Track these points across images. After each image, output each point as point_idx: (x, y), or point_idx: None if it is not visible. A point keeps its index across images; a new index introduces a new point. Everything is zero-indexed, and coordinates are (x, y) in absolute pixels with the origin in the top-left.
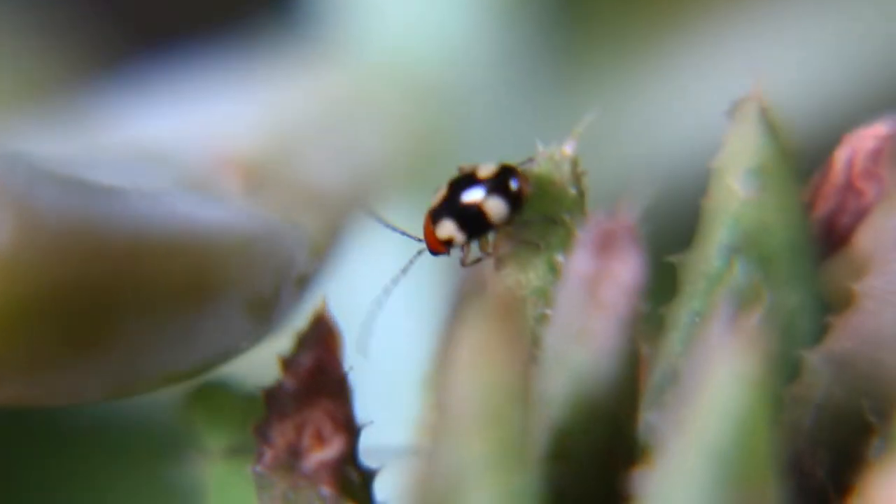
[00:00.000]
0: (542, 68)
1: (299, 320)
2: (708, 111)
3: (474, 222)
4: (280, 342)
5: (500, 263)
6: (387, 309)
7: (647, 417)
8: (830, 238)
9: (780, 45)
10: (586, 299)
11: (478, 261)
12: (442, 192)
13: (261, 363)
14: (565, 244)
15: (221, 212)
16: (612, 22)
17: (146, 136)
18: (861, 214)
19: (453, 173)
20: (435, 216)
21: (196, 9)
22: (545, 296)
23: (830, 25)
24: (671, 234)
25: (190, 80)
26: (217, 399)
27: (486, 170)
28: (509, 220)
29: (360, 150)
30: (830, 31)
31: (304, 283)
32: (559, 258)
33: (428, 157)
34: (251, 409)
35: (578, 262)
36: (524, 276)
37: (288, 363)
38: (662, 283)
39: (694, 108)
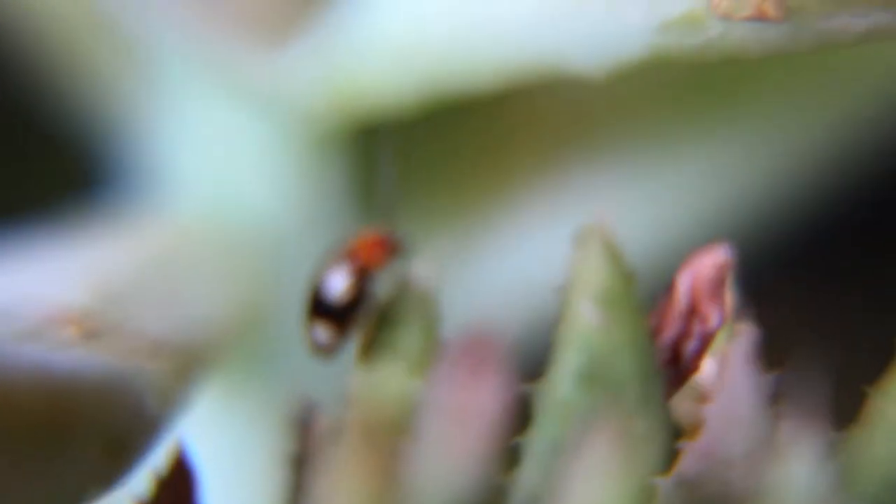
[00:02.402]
0: (365, 216)
1: (153, 464)
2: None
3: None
4: (136, 485)
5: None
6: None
7: None
8: (677, 362)
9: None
10: (449, 423)
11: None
12: None
13: None
14: (424, 371)
15: (65, 359)
16: (445, 160)
17: None
18: (705, 339)
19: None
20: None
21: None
22: (407, 425)
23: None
24: (522, 364)
25: (16, 245)
26: None
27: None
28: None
29: (190, 300)
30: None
31: (154, 427)
32: (419, 386)
33: (253, 305)
34: None
35: (439, 385)
36: (384, 407)
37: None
38: (518, 412)
39: (538, 238)
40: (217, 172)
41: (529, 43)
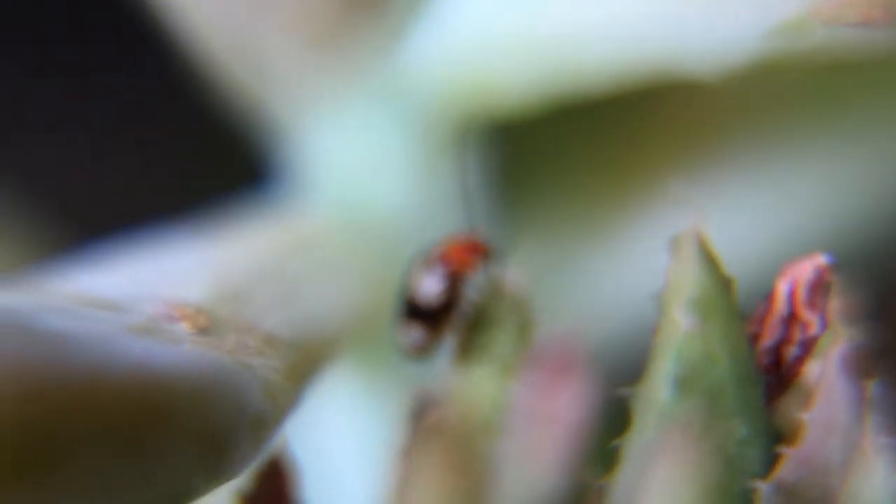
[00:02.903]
0: (491, 215)
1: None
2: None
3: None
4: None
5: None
6: (341, 444)
7: None
8: (777, 369)
9: (724, 189)
10: (537, 427)
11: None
12: None
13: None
14: (515, 376)
15: (171, 355)
16: (556, 163)
17: (97, 285)
18: (807, 345)
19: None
20: None
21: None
22: (497, 428)
23: (773, 169)
24: (621, 370)
25: (140, 238)
26: None
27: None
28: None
29: (309, 297)
30: (772, 175)
31: (260, 424)
32: (510, 390)
33: (379, 303)
34: None
35: (528, 389)
36: (476, 410)
37: (244, 499)
38: (615, 417)
39: (641, 244)
40: (345, 169)
41: (643, 44)
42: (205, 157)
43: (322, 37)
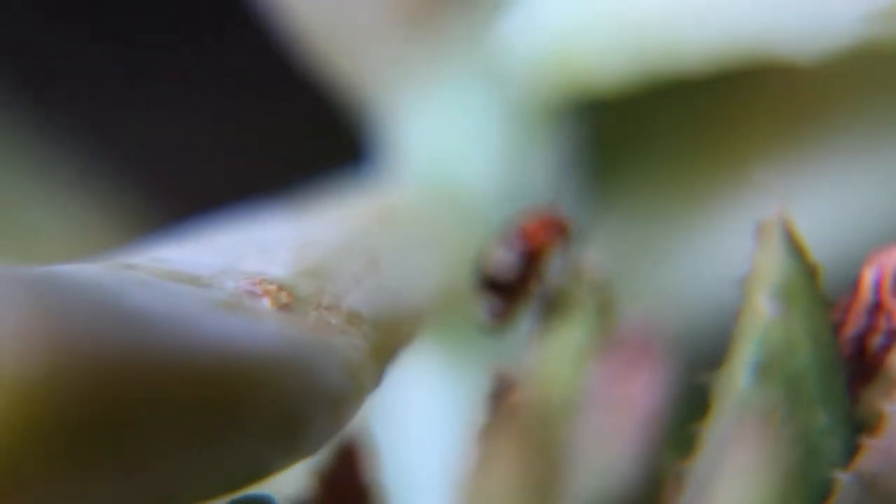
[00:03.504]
0: (579, 197)
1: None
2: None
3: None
4: (319, 458)
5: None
6: (422, 423)
7: None
8: (861, 358)
9: (815, 176)
10: (615, 413)
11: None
12: None
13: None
14: (595, 361)
15: (252, 333)
16: (647, 146)
17: (180, 258)
18: (892, 334)
19: None
20: None
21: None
22: (576, 412)
23: (864, 158)
24: (704, 355)
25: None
26: None
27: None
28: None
29: (393, 274)
30: (864, 164)
31: (341, 403)
32: (589, 375)
33: (463, 281)
34: None
35: (604, 376)
36: (555, 394)
37: (320, 477)
38: (695, 402)
39: (728, 230)
40: (435, 146)
41: (739, 27)
42: (306, 135)
43: (417, 16)
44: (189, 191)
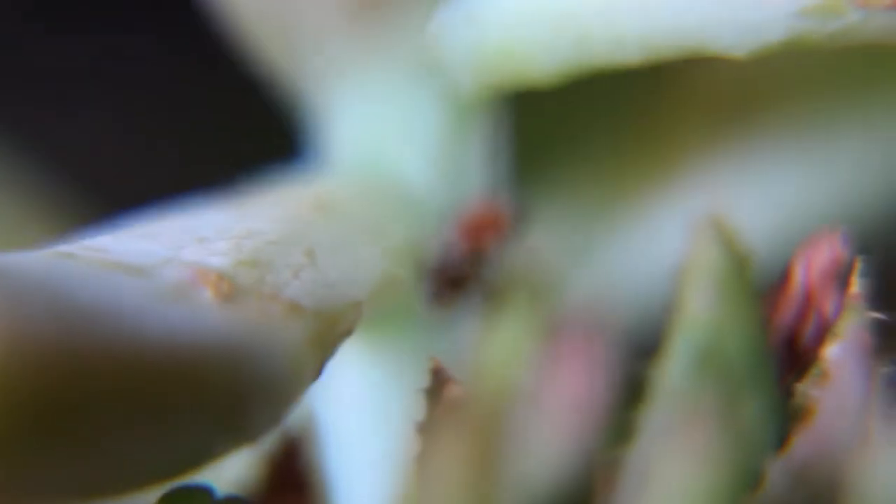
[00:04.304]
0: (516, 189)
1: (281, 428)
2: (676, 228)
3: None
4: (261, 447)
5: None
6: (362, 418)
7: None
8: (789, 348)
9: (747, 171)
10: (557, 404)
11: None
12: None
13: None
14: (536, 353)
15: (194, 323)
16: (582, 141)
17: (119, 247)
18: (820, 326)
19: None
20: None
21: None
22: (512, 399)
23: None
24: (638, 347)
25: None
26: (191, 501)
27: None
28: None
29: (341, 266)
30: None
31: (283, 392)
32: (530, 367)
33: (400, 272)
34: None
35: (550, 367)
36: (497, 386)
37: (263, 466)
38: (629, 394)
39: (662, 225)
40: (371, 138)
41: (673, 20)
42: (237, 129)
43: (356, 7)
44: (123, 186)
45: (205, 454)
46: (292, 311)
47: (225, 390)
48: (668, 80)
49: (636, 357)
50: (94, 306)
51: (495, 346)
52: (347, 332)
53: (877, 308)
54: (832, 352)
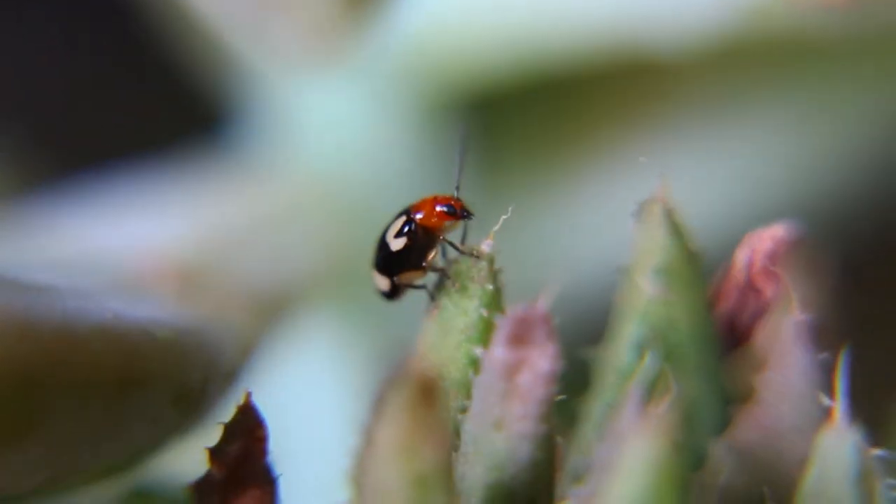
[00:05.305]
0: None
1: (226, 413)
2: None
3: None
4: (208, 435)
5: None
6: (313, 400)
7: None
8: (733, 334)
9: (688, 160)
10: (503, 387)
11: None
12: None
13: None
14: (484, 338)
15: (151, 310)
16: (527, 135)
17: (84, 243)
18: (761, 312)
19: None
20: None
21: (129, 133)
22: (465, 387)
23: (735, 141)
24: (586, 332)
25: (127, 193)
26: (148, 501)
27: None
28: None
29: (287, 258)
30: (734, 148)
31: (231, 377)
32: (478, 351)
33: (348, 264)
34: None
35: (496, 351)
36: (445, 369)
37: (215, 454)
38: (577, 378)
39: (607, 213)
40: (325, 136)
41: (608, 25)
42: (165, 106)
43: (312, 10)
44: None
45: (155, 441)
46: (243, 301)
47: (178, 377)
48: (618, 78)
49: (581, 343)
50: (42, 288)
51: (447, 332)
52: (292, 318)
53: (825, 291)
54: (773, 337)
